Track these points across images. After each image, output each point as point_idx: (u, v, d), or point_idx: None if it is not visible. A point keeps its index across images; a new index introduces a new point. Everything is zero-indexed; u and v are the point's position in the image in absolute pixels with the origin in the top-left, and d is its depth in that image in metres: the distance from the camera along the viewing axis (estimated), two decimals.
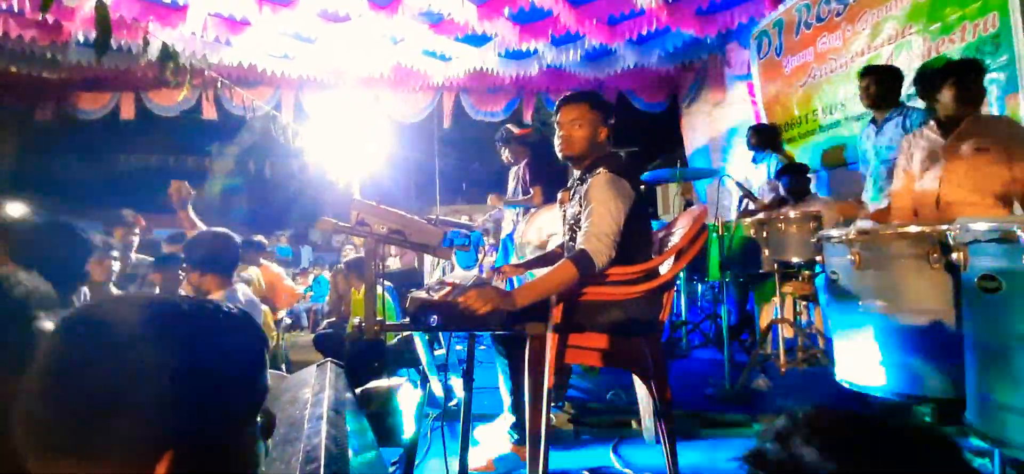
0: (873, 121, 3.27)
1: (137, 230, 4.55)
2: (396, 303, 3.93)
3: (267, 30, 5.21)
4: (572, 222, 1.93)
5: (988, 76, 2.88)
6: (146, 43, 4.43)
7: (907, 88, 3.14)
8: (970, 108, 2.36)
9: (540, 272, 2.35)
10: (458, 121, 7.11)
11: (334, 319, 4.41)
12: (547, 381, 1.66)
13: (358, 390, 1.84)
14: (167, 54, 3.21)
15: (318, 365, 1.24)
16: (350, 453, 0.86)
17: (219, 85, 5.97)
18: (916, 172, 2.56)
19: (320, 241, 14.72)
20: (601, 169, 1.85)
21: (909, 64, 3.41)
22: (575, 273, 1.65)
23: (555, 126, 1.96)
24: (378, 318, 1.49)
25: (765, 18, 4.86)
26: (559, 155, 1.97)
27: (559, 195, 4.07)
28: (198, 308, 0.60)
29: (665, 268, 1.83)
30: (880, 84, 3.17)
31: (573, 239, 1.90)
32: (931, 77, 2.43)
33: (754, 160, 4.58)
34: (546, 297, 1.67)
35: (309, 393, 0.97)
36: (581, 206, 1.86)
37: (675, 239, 1.98)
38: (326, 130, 6.90)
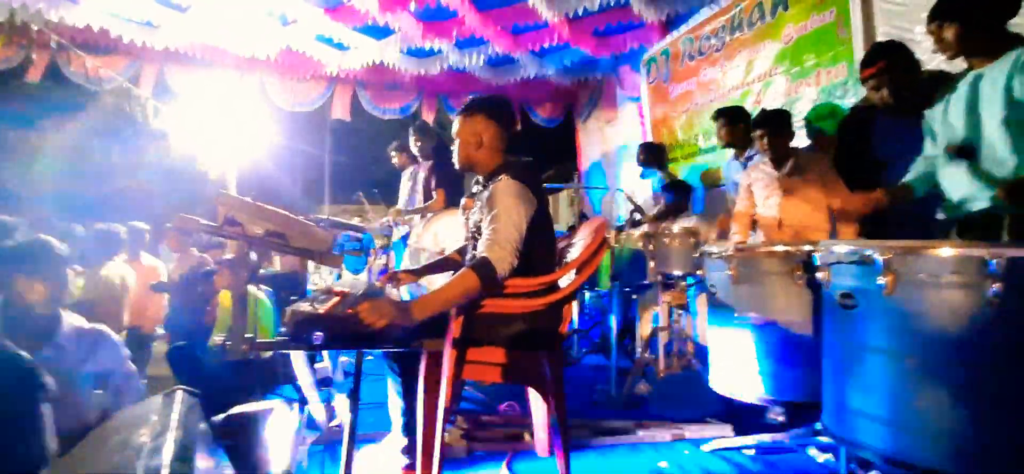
0: (736, 157, 3.64)
1: None
2: (276, 311, 3.52)
3: None
4: (474, 229, 1.85)
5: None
6: None
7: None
8: (790, 147, 2.98)
9: (434, 279, 2.24)
10: (354, 117, 6.70)
11: (193, 328, 3.81)
12: (444, 400, 1.56)
13: (220, 417, 1.59)
14: None
15: (165, 395, 1.01)
16: None
17: (56, 46, 5.02)
18: (758, 200, 3.11)
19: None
20: (503, 176, 1.79)
21: (773, 101, 3.83)
22: (477, 283, 1.57)
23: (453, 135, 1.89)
24: (249, 335, 1.27)
25: (654, 46, 5.21)
26: (456, 165, 1.89)
27: (462, 201, 3.98)
28: None
29: (566, 281, 1.82)
30: (731, 125, 3.58)
31: (475, 246, 1.82)
32: (758, 123, 3.02)
33: (642, 175, 4.92)
34: (446, 309, 1.57)
35: (147, 436, 0.77)
36: (483, 213, 1.79)
37: (576, 251, 1.98)
38: (196, 112, 6.12)
